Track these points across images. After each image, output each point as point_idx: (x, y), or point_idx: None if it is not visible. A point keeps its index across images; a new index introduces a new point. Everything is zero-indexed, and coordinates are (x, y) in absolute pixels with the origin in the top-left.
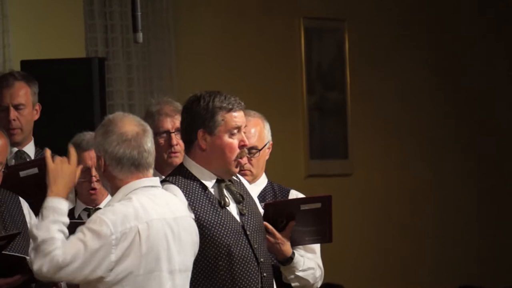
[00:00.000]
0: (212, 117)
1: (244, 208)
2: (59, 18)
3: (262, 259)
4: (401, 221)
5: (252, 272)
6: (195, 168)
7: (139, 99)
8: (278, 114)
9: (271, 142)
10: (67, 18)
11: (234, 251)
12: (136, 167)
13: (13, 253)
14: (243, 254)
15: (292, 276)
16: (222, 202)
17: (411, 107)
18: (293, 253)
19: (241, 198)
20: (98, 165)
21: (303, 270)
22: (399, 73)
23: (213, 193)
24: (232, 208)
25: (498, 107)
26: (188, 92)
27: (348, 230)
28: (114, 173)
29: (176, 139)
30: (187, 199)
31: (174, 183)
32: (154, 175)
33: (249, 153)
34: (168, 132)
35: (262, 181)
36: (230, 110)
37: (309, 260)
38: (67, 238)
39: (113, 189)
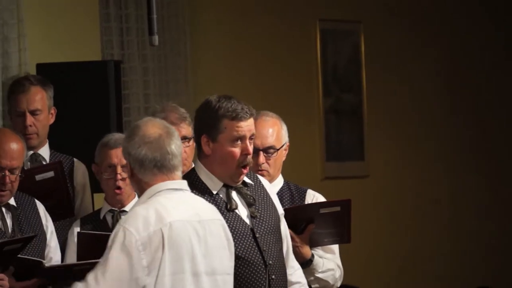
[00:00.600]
0: (215, 124)
1: (256, 210)
2: (75, 21)
3: (271, 262)
4: (417, 223)
5: (258, 275)
6: (203, 172)
7: (155, 101)
8: (294, 116)
9: (288, 144)
10: (82, 21)
11: (240, 254)
12: (159, 168)
13: (29, 257)
14: (250, 256)
15: (312, 278)
16: (229, 206)
17: (427, 109)
18: (312, 255)
19: (253, 200)
20: (127, 170)
21: (323, 272)
22: (415, 75)
23: (221, 196)
24: (242, 211)
25: None
26: (203, 95)
27: (364, 232)
28: (139, 175)
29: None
30: None
31: None
32: None
33: (267, 152)
34: None
35: (279, 182)
36: (233, 118)
37: (328, 261)
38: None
39: (140, 193)
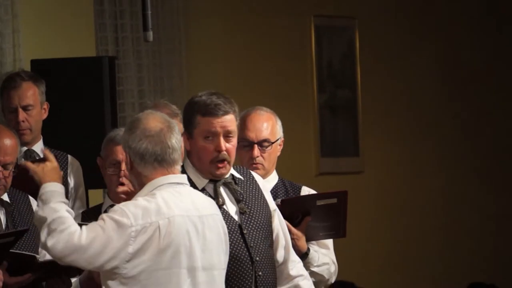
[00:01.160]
0: (191, 120)
1: (245, 206)
2: (69, 18)
3: (257, 258)
4: (413, 218)
5: (244, 271)
6: (190, 169)
7: (149, 98)
8: (289, 112)
9: (282, 139)
10: (77, 17)
11: None
12: (159, 162)
13: (23, 252)
14: (236, 253)
15: (308, 272)
16: (216, 202)
17: (422, 104)
18: (308, 249)
19: (242, 197)
20: (126, 163)
21: (318, 266)
22: (410, 71)
23: (208, 192)
24: (230, 207)
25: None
26: (198, 91)
27: (359, 228)
28: (139, 169)
29: None
30: None
31: None
32: None
33: (261, 146)
34: None
35: (273, 178)
36: (205, 114)
37: (323, 256)
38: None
39: (140, 187)
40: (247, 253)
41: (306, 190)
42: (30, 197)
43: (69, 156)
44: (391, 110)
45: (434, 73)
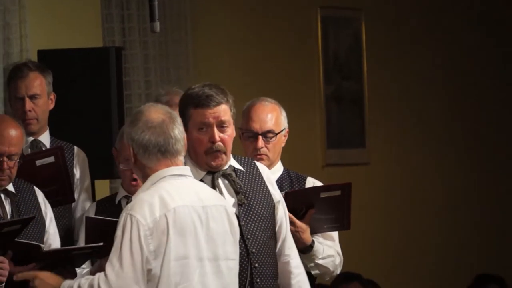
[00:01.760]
0: (184, 112)
1: (244, 198)
2: (76, 8)
3: (254, 250)
4: (419, 209)
5: (239, 263)
6: (188, 161)
7: (156, 88)
8: (295, 104)
9: (287, 130)
10: (84, 8)
11: None
12: (162, 153)
13: (27, 241)
14: None
15: (312, 264)
16: None
17: (428, 96)
18: (313, 241)
19: (240, 188)
20: (129, 156)
21: (323, 258)
22: (416, 63)
23: (206, 184)
24: (228, 199)
25: None
26: (204, 82)
27: (365, 219)
28: (143, 161)
29: None
30: None
31: None
32: None
33: (266, 137)
34: None
35: (278, 169)
36: (197, 105)
37: (328, 248)
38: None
39: (144, 179)
40: (242, 245)
41: (311, 181)
42: (36, 188)
43: (75, 147)
44: (397, 101)
45: (440, 64)
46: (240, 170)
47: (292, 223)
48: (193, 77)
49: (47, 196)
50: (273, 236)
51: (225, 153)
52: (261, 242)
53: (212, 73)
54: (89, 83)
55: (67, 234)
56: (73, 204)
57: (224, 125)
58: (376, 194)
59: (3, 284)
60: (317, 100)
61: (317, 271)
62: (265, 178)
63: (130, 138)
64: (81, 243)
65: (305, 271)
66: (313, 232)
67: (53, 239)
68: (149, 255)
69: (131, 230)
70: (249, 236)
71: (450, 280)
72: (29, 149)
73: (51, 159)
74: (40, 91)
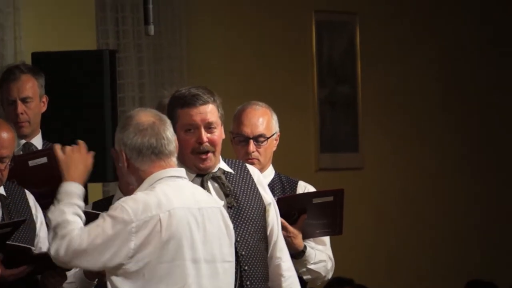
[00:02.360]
0: (172, 115)
1: (233, 200)
2: (70, 11)
3: (243, 252)
4: (412, 214)
5: None
6: (177, 163)
7: (150, 91)
8: (289, 107)
9: (278, 133)
10: (78, 10)
11: None
12: (156, 155)
13: (18, 244)
14: None
15: (304, 269)
16: None
17: (422, 101)
18: (305, 247)
19: (230, 191)
20: (122, 162)
21: (315, 263)
22: (410, 67)
23: None
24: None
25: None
26: (198, 85)
27: (358, 224)
28: (137, 164)
29: None
30: None
31: None
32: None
33: (257, 141)
34: None
35: (270, 173)
36: (183, 106)
37: (320, 253)
38: (83, 222)
39: (139, 183)
40: None
41: (302, 185)
42: (26, 191)
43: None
44: (391, 106)
45: (434, 69)
46: (230, 172)
47: (284, 228)
48: (187, 80)
49: (40, 197)
50: (264, 238)
51: (213, 153)
52: (251, 244)
53: (206, 76)
54: (82, 85)
55: None
56: None
57: (212, 126)
58: (369, 199)
59: None
60: (311, 104)
61: (309, 276)
62: (255, 180)
63: (122, 144)
64: None
65: (297, 276)
66: (305, 237)
67: (43, 242)
68: (126, 251)
69: (117, 217)
70: (238, 239)
71: (444, 286)
72: (21, 152)
73: (44, 159)
74: (32, 94)
